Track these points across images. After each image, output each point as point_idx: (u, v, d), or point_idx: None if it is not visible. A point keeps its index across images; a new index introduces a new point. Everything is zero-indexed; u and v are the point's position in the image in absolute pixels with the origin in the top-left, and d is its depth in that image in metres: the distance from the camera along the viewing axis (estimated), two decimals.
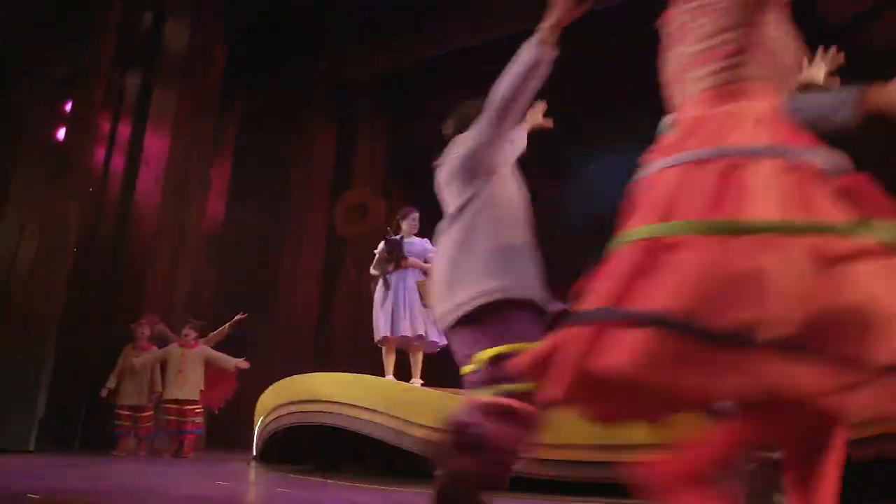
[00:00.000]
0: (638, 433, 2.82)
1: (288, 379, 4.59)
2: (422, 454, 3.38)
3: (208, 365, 6.62)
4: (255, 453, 5.58)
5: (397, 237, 5.00)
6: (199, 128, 8.81)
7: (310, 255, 10.64)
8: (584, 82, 10.61)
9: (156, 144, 8.51)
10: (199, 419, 6.51)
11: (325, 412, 3.95)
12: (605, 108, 10.60)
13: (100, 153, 8.54)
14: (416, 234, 5.21)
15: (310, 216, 10.77)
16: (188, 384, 6.42)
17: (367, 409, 3.65)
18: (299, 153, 10.95)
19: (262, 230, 10.38)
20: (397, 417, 3.50)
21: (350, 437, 4.76)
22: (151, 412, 6.76)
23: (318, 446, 5.08)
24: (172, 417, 6.41)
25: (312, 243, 10.70)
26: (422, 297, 4.80)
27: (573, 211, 10.98)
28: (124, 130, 8.88)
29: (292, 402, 4.31)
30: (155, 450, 6.91)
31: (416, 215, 5.05)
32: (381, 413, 3.57)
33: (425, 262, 4.97)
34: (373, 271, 5.03)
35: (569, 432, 2.93)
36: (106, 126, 8.63)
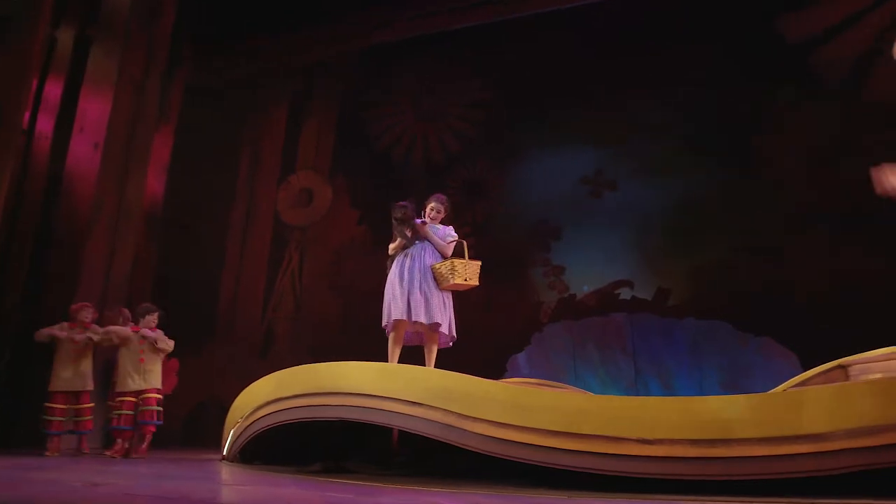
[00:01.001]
0: (738, 427, 2.68)
1: (296, 368, 4.13)
2: (482, 451, 3.10)
3: None
4: (227, 452, 5.05)
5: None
6: (144, 94, 7.99)
7: (256, 240, 9.99)
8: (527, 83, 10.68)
9: (93, 109, 7.62)
10: (158, 412, 5.85)
11: (352, 406, 3.56)
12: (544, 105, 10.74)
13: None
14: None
15: (257, 199, 10.12)
16: (151, 373, 5.78)
17: (411, 402, 3.30)
18: (248, 133, 10.28)
19: (204, 212, 9.61)
20: (451, 412, 3.18)
21: (353, 435, 4.40)
22: (93, 404, 6.01)
23: (306, 446, 4.66)
24: (126, 412, 5.72)
25: (259, 228, 10.06)
26: (438, 282, 4.53)
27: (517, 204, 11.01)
28: (54, 90, 7.90)
29: (305, 395, 3.87)
30: (94, 449, 6.16)
31: (442, 199, 4.76)
32: (430, 407, 3.24)
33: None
34: (391, 249, 4.70)
35: (665, 426, 2.75)
36: (33, 84, 7.64)
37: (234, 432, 4.83)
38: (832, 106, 9.71)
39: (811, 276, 9.22)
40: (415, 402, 3.29)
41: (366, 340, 10.39)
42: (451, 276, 4.42)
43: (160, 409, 5.89)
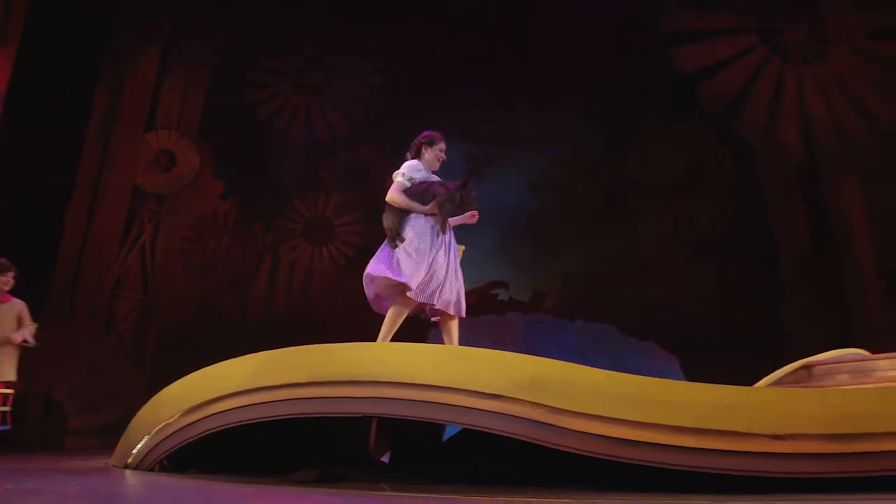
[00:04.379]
0: (878, 421, 2.53)
1: (292, 350, 3.22)
2: (586, 453, 2.60)
3: None
4: (134, 460, 3.93)
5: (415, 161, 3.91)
6: None
7: (108, 206, 8.29)
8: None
9: None
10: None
11: (395, 399, 2.83)
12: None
13: None
14: None
15: (112, 157, 8.41)
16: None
17: (489, 395, 2.70)
18: (105, 76, 8.50)
19: (45, 164, 7.73)
20: (541, 405, 2.65)
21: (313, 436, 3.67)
22: None
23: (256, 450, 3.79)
24: None
25: (113, 192, 8.36)
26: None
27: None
28: None
29: (310, 384, 3.04)
30: None
31: (443, 145, 3.93)
32: (514, 400, 2.67)
33: None
34: (414, 207, 3.73)
35: (801, 419, 2.50)
36: None
37: (160, 432, 3.75)
38: (700, 135, 10.65)
39: (675, 289, 9.98)
40: (494, 395, 2.69)
41: (228, 329, 9.21)
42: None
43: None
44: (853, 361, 4.55)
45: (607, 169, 11.18)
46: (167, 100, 9.59)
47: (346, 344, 3.10)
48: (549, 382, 2.68)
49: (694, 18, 9.55)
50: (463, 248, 4.15)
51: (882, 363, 4.30)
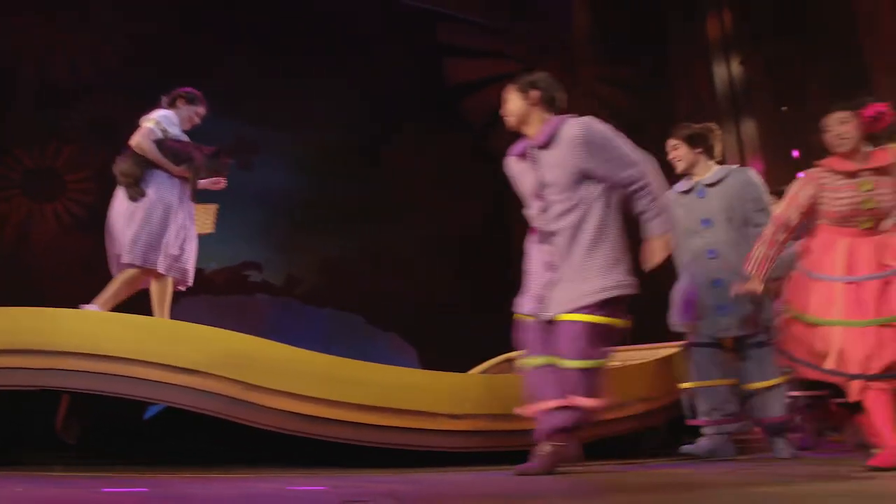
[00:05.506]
0: None
1: None
2: (279, 430, 2.65)
3: None
4: None
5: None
6: None
7: None
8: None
9: None
10: None
11: (78, 372, 2.59)
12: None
13: None
14: None
15: None
16: None
17: (183, 369, 2.60)
18: None
19: None
20: (237, 381, 2.63)
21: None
22: None
23: None
24: None
25: None
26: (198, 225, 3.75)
27: None
28: None
29: None
30: None
31: (202, 109, 3.76)
32: (209, 376, 2.61)
33: None
34: (128, 168, 3.46)
35: (472, 401, 2.85)
36: None
37: None
38: (461, 143, 11.43)
39: (421, 285, 10.61)
40: (188, 370, 2.62)
41: None
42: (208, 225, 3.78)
43: None
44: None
45: (373, 163, 11.43)
46: None
47: (27, 308, 2.79)
48: (246, 358, 2.71)
49: (466, 35, 10.27)
50: (216, 206, 4.03)
51: None
